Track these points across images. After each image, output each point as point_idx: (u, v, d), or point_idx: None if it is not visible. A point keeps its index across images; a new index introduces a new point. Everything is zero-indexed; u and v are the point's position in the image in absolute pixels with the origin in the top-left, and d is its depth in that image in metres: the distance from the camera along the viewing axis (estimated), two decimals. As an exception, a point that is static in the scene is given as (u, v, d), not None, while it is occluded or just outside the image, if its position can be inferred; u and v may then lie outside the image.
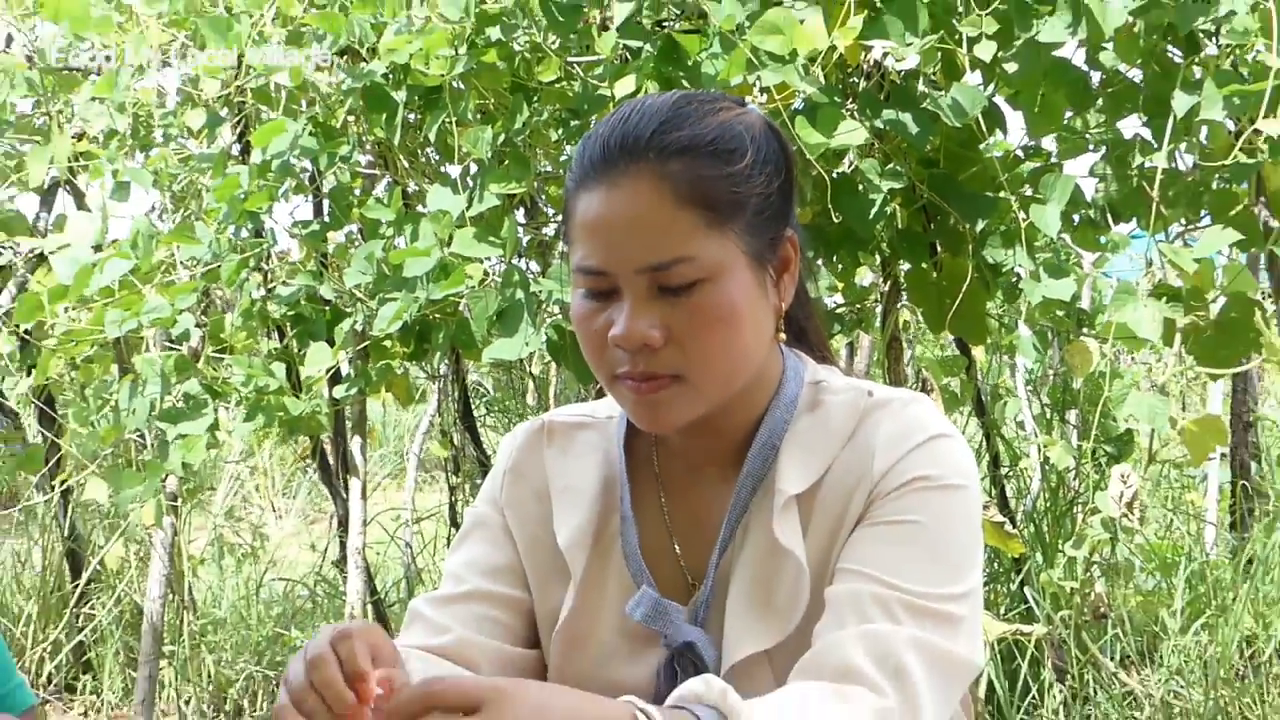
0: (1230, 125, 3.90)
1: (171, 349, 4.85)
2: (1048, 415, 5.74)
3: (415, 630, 2.03)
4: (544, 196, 4.95)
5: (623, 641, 1.98)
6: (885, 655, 1.73)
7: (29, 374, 5.00)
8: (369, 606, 5.08)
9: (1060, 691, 4.55)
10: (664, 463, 2.03)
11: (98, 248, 4.76)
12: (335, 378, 4.84)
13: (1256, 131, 3.64)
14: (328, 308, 4.75)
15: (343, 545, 6.26)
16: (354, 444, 4.96)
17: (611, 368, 1.87)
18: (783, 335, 1.94)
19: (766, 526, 1.89)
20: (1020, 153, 4.23)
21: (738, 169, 1.83)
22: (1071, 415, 5.80)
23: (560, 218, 5.15)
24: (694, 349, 1.82)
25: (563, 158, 4.73)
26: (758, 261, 1.86)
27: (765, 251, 1.87)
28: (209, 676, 5.51)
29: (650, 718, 1.55)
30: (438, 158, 4.82)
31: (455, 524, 6.20)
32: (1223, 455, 6.40)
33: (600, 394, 2.79)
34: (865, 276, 5.24)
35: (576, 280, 1.89)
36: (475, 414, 6.13)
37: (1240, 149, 3.69)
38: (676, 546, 1.99)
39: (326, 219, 4.76)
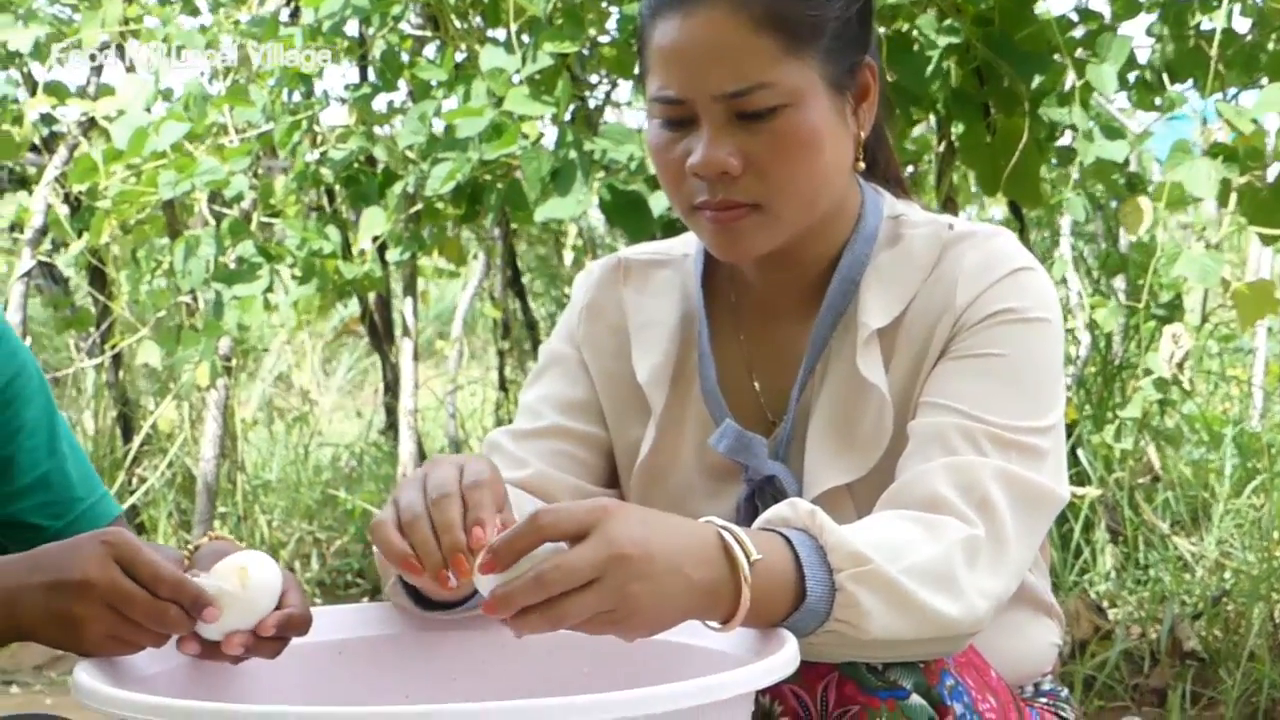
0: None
1: (221, 214, 4.84)
2: (1096, 280, 5.71)
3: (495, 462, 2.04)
4: (595, 60, 4.91)
5: (702, 477, 1.98)
6: (971, 486, 1.73)
7: (80, 238, 5.01)
8: (419, 471, 5.11)
9: (1113, 554, 4.57)
10: (742, 299, 2.02)
11: (148, 111, 4.75)
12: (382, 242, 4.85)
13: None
14: (378, 171, 4.75)
15: (389, 412, 6.30)
16: (405, 306, 4.97)
17: (689, 198, 1.87)
18: (861, 165, 1.93)
19: (849, 360, 1.89)
20: (1075, 15, 4.20)
21: None
22: (1119, 281, 5.78)
23: (609, 78, 5.14)
24: (774, 176, 1.82)
25: (609, 22, 4.69)
26: (836, 88, 1.85)
27: (844, 78, 1.86)
28: (262, 538, 5.56)
29: (734, 533, 1.56)
30: (482, 24, 4.79)
31: (504, 388, 6.23)
32: (1269, 329, 6.38)
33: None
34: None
35: (653, 110, 1.88)
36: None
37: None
38: (755, 383, 1.99)
39: (377, 83, 4.74)
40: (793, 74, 1.80)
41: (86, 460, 2.08)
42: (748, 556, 1.55)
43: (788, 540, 1.61)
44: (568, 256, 7.30)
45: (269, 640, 1.67)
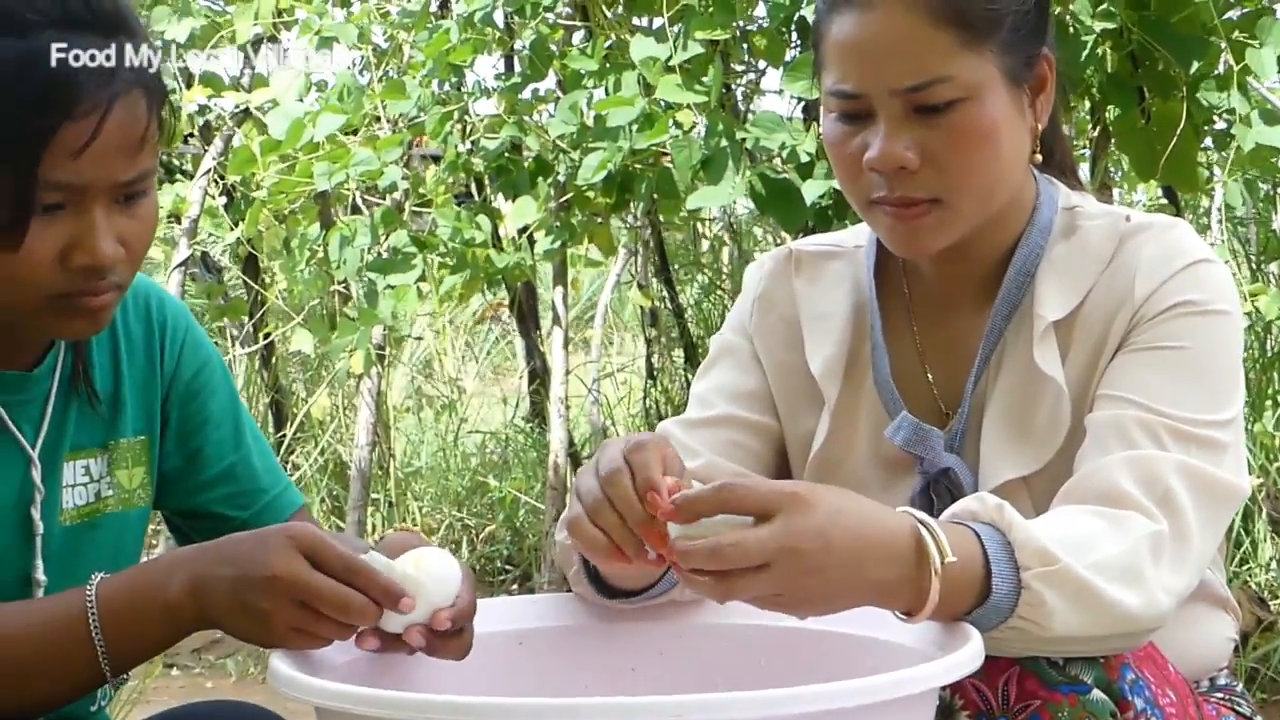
0: None
1: (371, 203, 4.89)
2: (1256, 265, 5.63)
3: None
4: (740, 47, 4.90)
5: (876, 469, 1.98)
6: (1153, 480, 1.72)
7: (235, 228, 5.08)
8: (568, 458, 5.13)
9: (1274, 545, 4.51)
10: (915, 291, 2.02)
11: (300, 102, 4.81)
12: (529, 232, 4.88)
13: None
14: (527, 160, 4.77)
15: (533, 402, 6.35)
16: (556, 295, 4.99)
17: (866, 192, 1.87)
18: (1039, 157, 1.92)
19: (1025, 353, 1.88)
20: (1231, -2, 4.15)
21: None
22: (1273, 267, 5.69)
23: (754, 65, 5.12)
24: (952, 170, 1.82)
25: (758, 9, 4.68)
26: (1014, 81, 1.85)
27: (1021, 70, 1.86)
28: (414, 523, 5.62)
29: (929, 527, 1.56)
30: (624, 11, 4.80)
31: (651, 376, 6.24)
32: None
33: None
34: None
35: (829, 104, 1.89)
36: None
37: None
38: (929, 375, 1.99)
39: (526, 73, 4.76)
40: (971, 67, 1.80)
41: (270, 450, 2.11)
42: (942, 556, 1.55)
43: (977, 535, 1.61)
44: (704, 245, 7.32)
45: (447, 639, 1.69)
